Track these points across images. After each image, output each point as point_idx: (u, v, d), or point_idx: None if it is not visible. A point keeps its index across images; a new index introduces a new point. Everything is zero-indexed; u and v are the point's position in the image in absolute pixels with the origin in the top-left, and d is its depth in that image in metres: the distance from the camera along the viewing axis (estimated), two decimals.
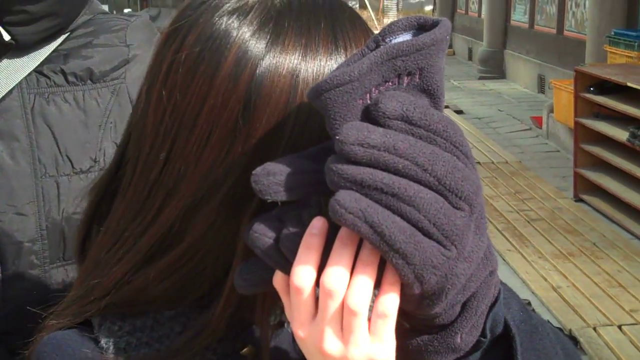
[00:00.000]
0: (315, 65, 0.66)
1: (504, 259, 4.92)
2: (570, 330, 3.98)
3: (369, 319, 0.56)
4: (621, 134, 5.64)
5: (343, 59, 0.67)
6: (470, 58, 14.14)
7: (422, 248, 0.52)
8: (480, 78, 12.24)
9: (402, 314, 0.58)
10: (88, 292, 0.72)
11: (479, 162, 6.88)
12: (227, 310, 0.68)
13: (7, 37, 1.32)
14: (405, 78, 0.57)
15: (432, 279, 0.54)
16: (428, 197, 0.53)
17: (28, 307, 1.27)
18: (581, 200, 6.10)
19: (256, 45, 0.65)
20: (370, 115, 0.55)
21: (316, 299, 0.57)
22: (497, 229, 5.42)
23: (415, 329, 0.61)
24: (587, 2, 8.83)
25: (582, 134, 6.17)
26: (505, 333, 0.67)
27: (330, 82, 0.55)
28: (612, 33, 7.23)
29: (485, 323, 0.63)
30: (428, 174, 0.53)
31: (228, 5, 0.68)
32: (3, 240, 1.27)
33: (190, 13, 0.70)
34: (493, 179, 6.62)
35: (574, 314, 4.18)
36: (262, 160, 0.61)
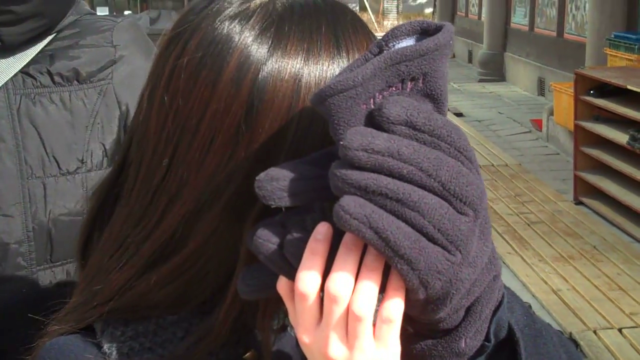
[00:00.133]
0: (317, 70, 0.66)
1: (504, 262, 4.92)
2: (570, 333, 3.97)
3: (374, 324, 0.56)
4: (621, 137, 5.63)
5: (345, 62, 0.66)
6: (470, 60, 14.14)
7: (426, 253, 0.52)
8: (480, 81, 12.25)
9: (406, 318, 0.57)
10: (90, 298, 0.71)
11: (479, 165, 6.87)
12: (230, 316, 0.67)
13: None
14: (409, 83, 0.57)
15: (436, 284, 0.54)
16: (433, 202, 0.52)
17: (15, 309, 1.27)
18: (581, 203, 6.10)
19: (258, 50, 0.65)
20: (374, 121, 0.55)
21: (321, 305, 0.57)
22: (497, 232, 5.42)
23: (419, 334, 0.61)
24: (587, 5, 8.84)
25: (582, 136, 6.17)
26: (509, 337, 0.67)
27: (334, 87, 0.55)
28: (612, 36, 7.23)
29: (489, 327, 0.63)
30: (432, 179, 0.53)
31: (230, 9, 0.68)
32: None
33: (192, 18, 0.69)
34: (493, 181, 6.62)
35: (574, 317, 4.18)
36: (264, 165, 0.61)
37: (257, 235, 0.59)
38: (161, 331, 0.71)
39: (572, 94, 6.32)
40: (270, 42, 0.65)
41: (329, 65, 0.66)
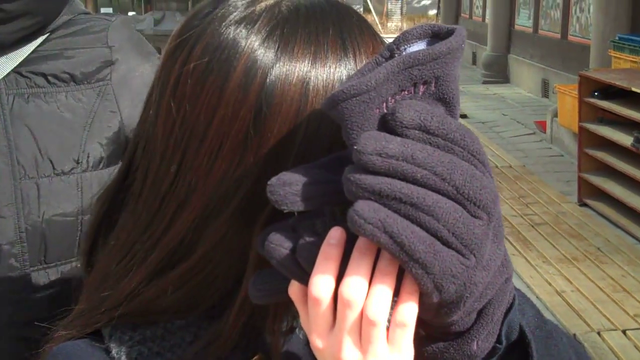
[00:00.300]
0: (324, 73, 0.65)
1: None
2: (574, 334, 3.97)
3: (387, 328, 0.56)
4: (625, 139, 5.63)
5: (352, 64, 0.66)
6: (474, 62, 14.14)
7: (441, 257, 0.52)
8: (484, 82, 12.24)
9: (418, 321, 0.57)
10: (98, 304, 0.71)
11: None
12: (240, 320, 0.67)
13: None
14: (421, 87, 0.57)
15: (451, 288, 0.53)
16: (447, 206, 0.52)
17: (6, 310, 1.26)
18: (585, 205, 6.09)
19: (265, 54, 0.65)
20: (388, 125, 0.55)
21: (334, 309, 0.56)
22: None
23: (431, 337, 0.61)
24: (591, 7, 8.83)
25: (586, 138, 6.16)
26: (521, 339, 0.67)
27: (347, 91, 0.55)
28: (617, 38, 7.22)
29: (500, 329, 0.63)
30: (447, 183, 0.53)
31: (235, 14, 0.67)
32: None
33: (197, 23, 0.69)
34: (497, 183, 6.56)
35: (578, 318, 4.17)
36: (273, 170, 0.61)
37: (269, 240, 0.58)
38: (169, 336, 0.71)
39: (577, 96, 6.32)
40: (277, 46, 0.65)
41: (336, 67, 0.65)
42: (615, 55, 7.11)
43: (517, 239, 5.37)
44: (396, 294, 0.55)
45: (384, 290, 0.54)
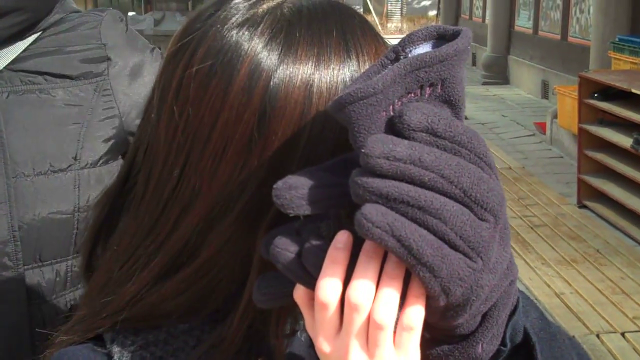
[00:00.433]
0: (328, 75, 0.65)
1: None
2: (573, 337, 3.96)
3: (394, 332, 0.56)
4: (625, 141, 5.63)
5: (355, 66, 0.66)
6: (474, 63, 14.14)
7: (449, 261, 0.52)
8: (484, 83, 12.25)
9: (424, 324, 0.57)
10: (100, 310, 0.71)
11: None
12: (244, 323, 0.67)
13: None
14: (427, 89, 0.57)
15: (458, 291, 0.53)
16: (454, 209, 0.52)
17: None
18: (585, 207, 6.09)
19: (269, 57, 0.64)
20: (395, 128, 0.55)
21: (341, 313, 0.56)
22: None
23: (436, 339, 0.61)
24: (591, 8, 8.83)
25: (586, 140, 6.16)
26: (525, 341, 0.67)
27: (354, 94, 0.55)
28: (617, 39, 7.23)
29: (505, 332, 0.63)
30: (454, 186, 0.53)
31: (237, 16, 0.67)
32: None
33: (199, 26, 0.68)
34: None
35: (577, 320, 4.17)
36: (277, 173, 0.61)
37: (274, 244, 0.58)
38: (172, 340, 0.70)
39: (576, 97, 6.32)
40: (280, 49, 0.65)
41: (339, 69, 0.65)
42: (615, 56, 7.11)
43: (516, 240, 5.36)
44: (402, 297, 0.55)
45: (391, 293, 0.54)
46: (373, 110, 0.55)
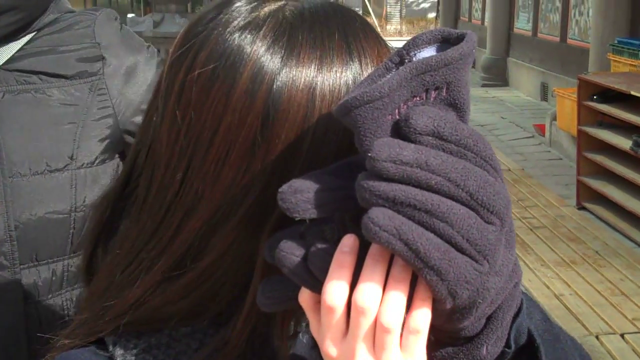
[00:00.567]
0: (331, 77, 0.65)
1: None
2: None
3: (400, 335, 0.55)
4: (624, 143, 5.63)
5: (357, 69, 0.66)
6: (473, 65, 14.08)
7: (456, 264, 0.52)
8: (483, 85, 12.24)
9: (429, 327, 0.57)
10: (102, 313, 0.70)
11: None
12: (247, 327, 0.67)
13: None
14: (433, 92, 0.57)
15: (464, 294, 0.53)
16: (461, 212, 0.52)
17: None
18: (584, 209, 6.10)
19: (272, 60, 0.64)
20: (401, 131, 0.55)
21: (347, 317, 0.56)
22: None
23: (441, 341, 0.61)
24: (590, 11, 8.83)
25: (585, 142, 6.16)
26: (529, 343, 0.67)
27: (360, 98, 0.55)
28: (616, 41, 7.23)
29: (509, 334, 0.63)
30: (461, 190, 0.53)
31: (239, 19, 0.67)
32: None
33: (201, 29, 0.68)
34: None
35: (576, 322, 4.17)
36: (281, 176, 0.61)
37: (279, 248, 0.58)
38: (175, 343, 0.70)
39: (575, 100, 6.32)
40: (283, 52, 0.65)
41: (342, 72, 0.65)
42: (614, 58, 7.12)
43: (516, 242, 5.35)
44: (408, 300, 0.55)
45: (398, 297, 0.54)
46: (379, 114, 0.55)
